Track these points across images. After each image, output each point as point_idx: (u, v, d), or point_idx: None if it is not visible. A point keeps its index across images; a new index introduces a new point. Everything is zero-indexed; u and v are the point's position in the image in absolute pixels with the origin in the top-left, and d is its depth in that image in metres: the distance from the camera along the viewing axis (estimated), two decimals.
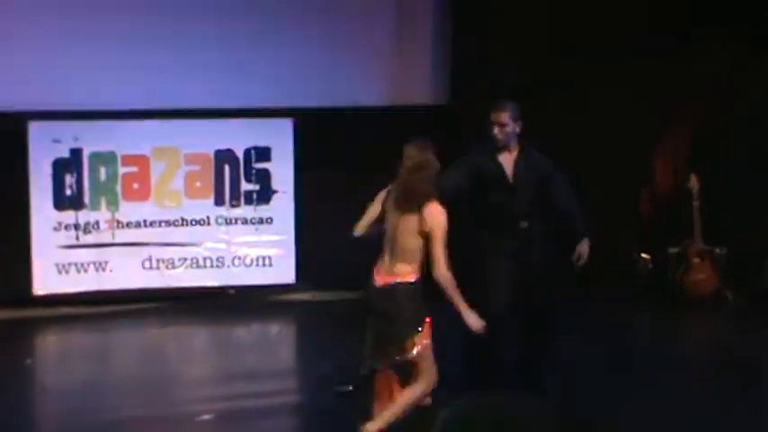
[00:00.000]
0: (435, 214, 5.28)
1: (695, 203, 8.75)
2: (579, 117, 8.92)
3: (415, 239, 5.29)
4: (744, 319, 8.46)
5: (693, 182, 8.78)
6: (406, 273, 5.31)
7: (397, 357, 5.31)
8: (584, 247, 6.31)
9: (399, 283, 5.32)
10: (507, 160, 6.23)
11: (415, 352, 5.29)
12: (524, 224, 6.18)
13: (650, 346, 7.90)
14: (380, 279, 5.39)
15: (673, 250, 8.87)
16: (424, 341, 5.32)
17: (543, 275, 6.24)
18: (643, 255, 9.15)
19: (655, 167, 9.38)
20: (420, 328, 5.30)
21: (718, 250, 8.81)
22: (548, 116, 8.98)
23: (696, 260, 8.81)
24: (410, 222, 5.31)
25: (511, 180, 6.19)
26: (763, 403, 6.69)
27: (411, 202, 5.31)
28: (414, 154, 5.46)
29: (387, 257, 5.40)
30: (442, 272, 5.25)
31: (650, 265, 9.15)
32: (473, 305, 5.41)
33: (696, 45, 9.05)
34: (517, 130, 6.20)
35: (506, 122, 6.16)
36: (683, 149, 9.33)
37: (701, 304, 8.75)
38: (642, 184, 9.39)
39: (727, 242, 8.82)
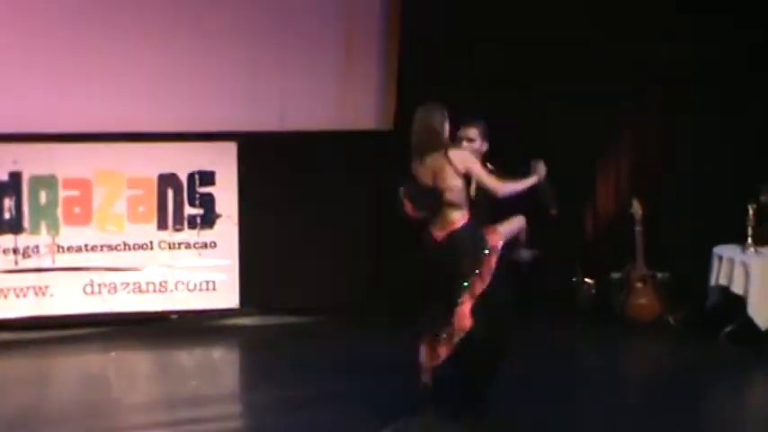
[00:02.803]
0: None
1: (638, 229, 8.85)
2: (521, 142, 8.99)
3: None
4: (685, 344, 8.54)
5: (636, 207, 8.88)
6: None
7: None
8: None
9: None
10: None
11: None
12: None
13: (593, 370, 7.95)
14: None
15: (615, 275, 8.96)
16: None
17: (495, 296, 6.16)
18: (586, 279, 9.23)
19: (597, 193, 9.48)
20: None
21: (660, 275, 8.91)
22: (490, 142, 9.07)
23: (639, 285, 8.90)
24: None
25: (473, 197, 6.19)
26: (699, 422, 6.78)
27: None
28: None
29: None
30: (498, 189, 5.87)
31: (593, 290, 9.23)
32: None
33: (639, 70, 9.19)
34: (483, 148, 6.22)
35: (474, 138, 6.20)
36: (626, 175, 9.44)
37: (644, 328, 8.82)
38: (585, 210, 9.49)
39: (670, 267, 8.93)
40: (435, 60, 8.87)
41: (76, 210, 8.57)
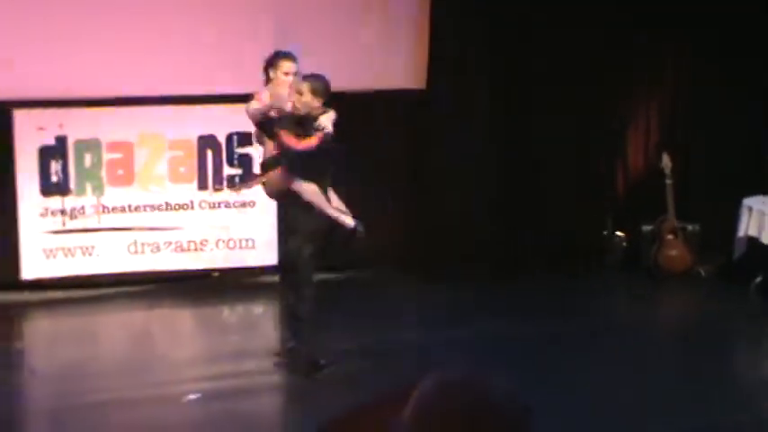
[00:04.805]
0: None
1: (668, 182, 8.91)
2: (553, 99, 9.07)
3: None
4: (716, 295, 8.63)
5: (666, 160, 8.94)
6: None
7: None
8: None
9: None
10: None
11: None
12: None
13: (625, 323, 8.03)
14: None
15: (646, 228, 9.01)
16: None
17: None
18: (618, 232, 9.31)
19: (627, 146, 9.54)
20: None
21: (690, 227, 8.97)
22: (521, 99, 9.15)
23: (669, 237, 8.96)
24: None
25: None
26: (730, 373, 6.87)
27: None
28: None
29: None
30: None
31: (625, 243, 9.30)
32: None
33: (667, 24, 9.20)
34: (315, 103, 6.47)
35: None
36: (655, 128, 9.49)
37: (675, 280, 8.91)
38: (615, 163, 9.56)
39: (700, 219, 8.99)
40: (468, 15, 8.94)
41: (120, 171, 8.76)
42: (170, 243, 8.84)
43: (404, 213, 9.16)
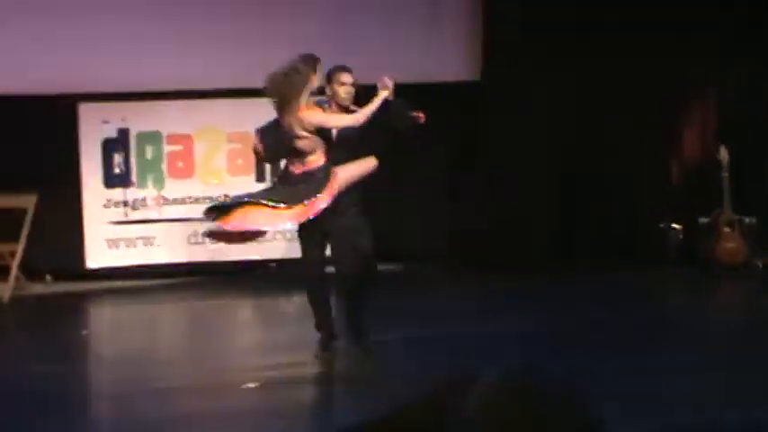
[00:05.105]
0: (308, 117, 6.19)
1: (725, 174, 8.88)
2: (609, 92, 9.07)
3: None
4: None
5: (723, 153, 8.91)
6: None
7: None
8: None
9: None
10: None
11: None
12: None
13: (681, 315, 8.00)
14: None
15: (703, 220, 9.01)
16: None
17: (349, 234, 6.52)
18: (674, 225, 9.30)
19: (684, 139, 9.52)
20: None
21: (747, 220, 8.95)
22: (578, 91, 9.16)
23: (726, 230, 8.94)
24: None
25: (334, 139, 6.46)
26: None
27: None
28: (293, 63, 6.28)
29: None
30: (351, 122, 6.26)
31: (681, 235, 9.29)
32: None
33: (723, 17, 9.16)
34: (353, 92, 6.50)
35: (347, 82, 6.44)
36: (712, 121, 9.46)
37: (732, 273, 8.89)
38: (672, 156, 9.54)
39: (757, 212, 8.96)
40: (521, 11, 8.96)
41: (180, 164, 8.94)
42: None
43: (455, 207, 9.22)
